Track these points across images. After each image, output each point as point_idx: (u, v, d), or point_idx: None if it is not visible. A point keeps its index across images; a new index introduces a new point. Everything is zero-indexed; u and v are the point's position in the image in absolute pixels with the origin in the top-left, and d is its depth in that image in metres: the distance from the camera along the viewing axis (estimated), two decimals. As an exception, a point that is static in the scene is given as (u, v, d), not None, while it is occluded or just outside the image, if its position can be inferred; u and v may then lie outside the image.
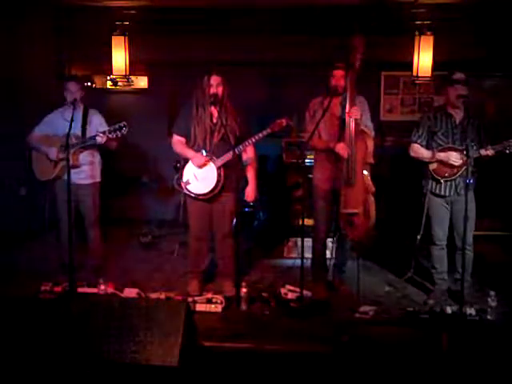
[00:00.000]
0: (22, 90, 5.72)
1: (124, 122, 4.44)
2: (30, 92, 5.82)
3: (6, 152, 5.38)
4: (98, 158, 4.82)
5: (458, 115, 4.23)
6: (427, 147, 4.31)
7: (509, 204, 5.82)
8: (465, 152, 4.11)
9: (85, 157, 4.71)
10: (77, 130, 4.62)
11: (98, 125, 4.70)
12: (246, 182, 4.47)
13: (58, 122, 4.64)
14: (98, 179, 4.84)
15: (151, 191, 6.78)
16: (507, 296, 4.16)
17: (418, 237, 4.58)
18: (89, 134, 4.64)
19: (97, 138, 4.49)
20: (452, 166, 4.20)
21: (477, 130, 4.23)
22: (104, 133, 4.47)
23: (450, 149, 4.22)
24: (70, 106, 4.59)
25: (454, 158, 4.18)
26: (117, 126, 4.44)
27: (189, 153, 4.31)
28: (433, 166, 4.30)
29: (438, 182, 4.28)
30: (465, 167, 4.15)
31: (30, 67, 5.94)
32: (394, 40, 6.01)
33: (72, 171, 4.62)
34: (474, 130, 4.22)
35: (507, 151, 4.14)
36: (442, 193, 4.29)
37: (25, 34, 5.82)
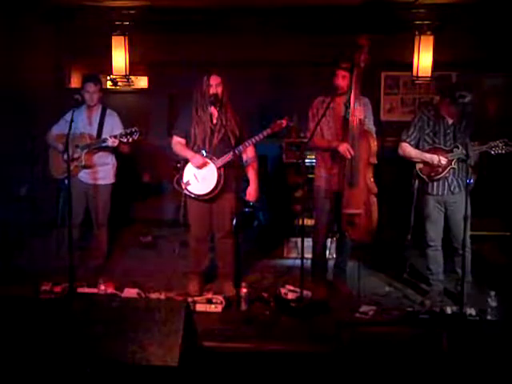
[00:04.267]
0: (21, 91, 5.72)
1: (136, 128, 4.50)
2: (30, 92, 5.82)
3: (5, 152, 5.37)
4: (112, 159, 4.87)
5: (451, 118, 4.24)
6: (418, 146, 4.32)
7: (508, 204, 5.82)
8: (450, 153, 4.17)
9: (98, 158, 4.77)
10: (93, 130, 4.69)
11: (112, 127, 4.75)
12: (247, 182, 4.48)
13: (76, 122, 4.65)
14: (111, 181, 4.90)
15: (151, 191, 6.78)
16: (507, 296, 4.16)
17: (409, 236, 4.60)
18: (104, 135, 4.69)
19: (107, 141, 4.54)
20: (437, 166, 4.21)
21: (467, 130, 4.23)
22: (115, 137, 4.53)
23: (437, 149, 4.23)
24: (93, 107, 4.70)
25: (441, 160, 4.18)
26: (128, 131, 4.51)
27: (188, 153, 4.31)
28: (419, 166, 4.32)
29: (425, 181, 4.29)
30: (449, 168, 4.18)
31: (30, 67, 5.93)
32: (393, 40, 6.01)
33: (85, 171, 4.75)
34: (466, 131, 4.22)
35: (492, 152, 4.14)
36: (434, 192, 4.29)
37: (25, 34, 5.82)
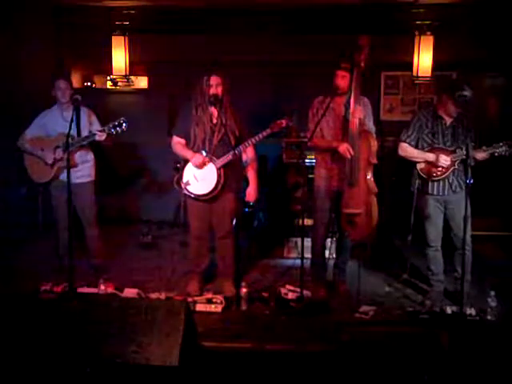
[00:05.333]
0: (21, 90, 5.72)
1: (123, 118, 4.41)
2: (30, 92, 5.82)
3: (6, 152, 5.38)
4: (91, 156, 4.82)
5: (449, 118, 4.24)
6: (417, 146, 4.32)
7: (508, 204, 5.83)
8: (454, 153, 4.17)
9: (80, 156, 4.70)
10: (71, 129, 4.61)
11: (91, 122, 4.68)
12: (247, 183, 4.47)
13: (51, 123, 4.63)
14: (93, 178, 4.84)
15: (151, 191, 6.79)
16: (507, 296, 4.16)
17: (409, 237, 4.60)
18: (83, 133, 4.62)
19: (96, 135, 4.47)
20: (440, 167, 4.21)
21: (467, 130, 4.24)
22: (103, 130, 4.46)
23: (439, 149, 4.23)
24: (66, 106, 4.61)
25: (443, 160, 4.18)
26: (116, 123, 4.41)
27: (188, 153, 4.30)
28: (420, 166, 4.31)
29: (426, 181, 4.28)
30: (453, 168, 4.18)
31: (30, 67, 5.93)
32: (394, 40, 6.01)
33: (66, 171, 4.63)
34: (464, 131, 4.23)
35: (496, 154, 4.15)
36: (435, 192, 4.29)
37: (25, 34, 5.82)
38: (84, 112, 4.72)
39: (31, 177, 4.79)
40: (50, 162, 4.63)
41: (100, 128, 4.54)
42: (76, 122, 4.63)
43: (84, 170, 4.75)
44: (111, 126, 4.43)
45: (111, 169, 6.34)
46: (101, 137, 4.46)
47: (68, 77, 4.85)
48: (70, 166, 4.54)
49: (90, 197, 4.80)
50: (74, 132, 4.61)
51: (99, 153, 4.90)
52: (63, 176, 4.68)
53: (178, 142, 4.39)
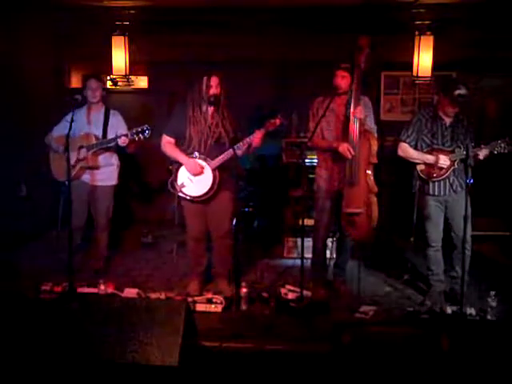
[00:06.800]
0: (21, 91, 5.71)
1: (147, 125, 4.39)
2: (30, 92, 5.81)
3: (6, 152, 5.37)
4: (116, 160, 4.81)
5: (449, 119, 4.24)
6: (416, 147, 4.32)
7: (509, 204, 5.82)
8: (452, 153, 4.17)
9: (103, 158, 4.69)
10: (96, 130, 4.62)
11: (117, 126, 4.68)
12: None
13: (77, 123, 4.60)
14: (115, 182, 4.82)
15: (152, 192, 6.79)
16: (507, 296, 4.16)
17: (412, 239, 4.60)
18: (109, 135, 4.62)
19: (118, 139, 4.46)
20: (439, 167, 4.21)
21: (466, 131, 4.24)
22: (126, 135, 4.43)
23: (438, 150, 4.23)
24: (95, 106, 4.62)
25: (443, 161, 4.19)
26: (139, 129, 4.39)
27: (180, 157, 4.24)
28: (420, 167, 4.31)
29: (427, 182, 4.28)
30: (452, 167, 4.18)
31: (30, 67, 5.93)
32: (394, 40, 6.01)
33: (89, 172, 4.64)
34: (463, 131, 4.23)
35: (495, 152, 4.15)
36: (436, 192, 4.29)
37: (24, 34, 5.81)
38: (118, 115, 4.75)
39: (53, 174, 4.78)
40: (71, 162, 4.61)
41: (125, 132, 4.51)
42: (103, 124, 4.65)
43: (107, 173, 4.73)
44: (134, 131, 4.41)
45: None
46: (123, 142, 4.44)
47: (100, 78, 4.81)
48: (92, 167, 4.62)
49: (108, 201, 4.78)
50: (100, 133, 4.63)
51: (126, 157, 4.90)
52: (85, 177, 4.69)
53: (168, 142, 4.31)
